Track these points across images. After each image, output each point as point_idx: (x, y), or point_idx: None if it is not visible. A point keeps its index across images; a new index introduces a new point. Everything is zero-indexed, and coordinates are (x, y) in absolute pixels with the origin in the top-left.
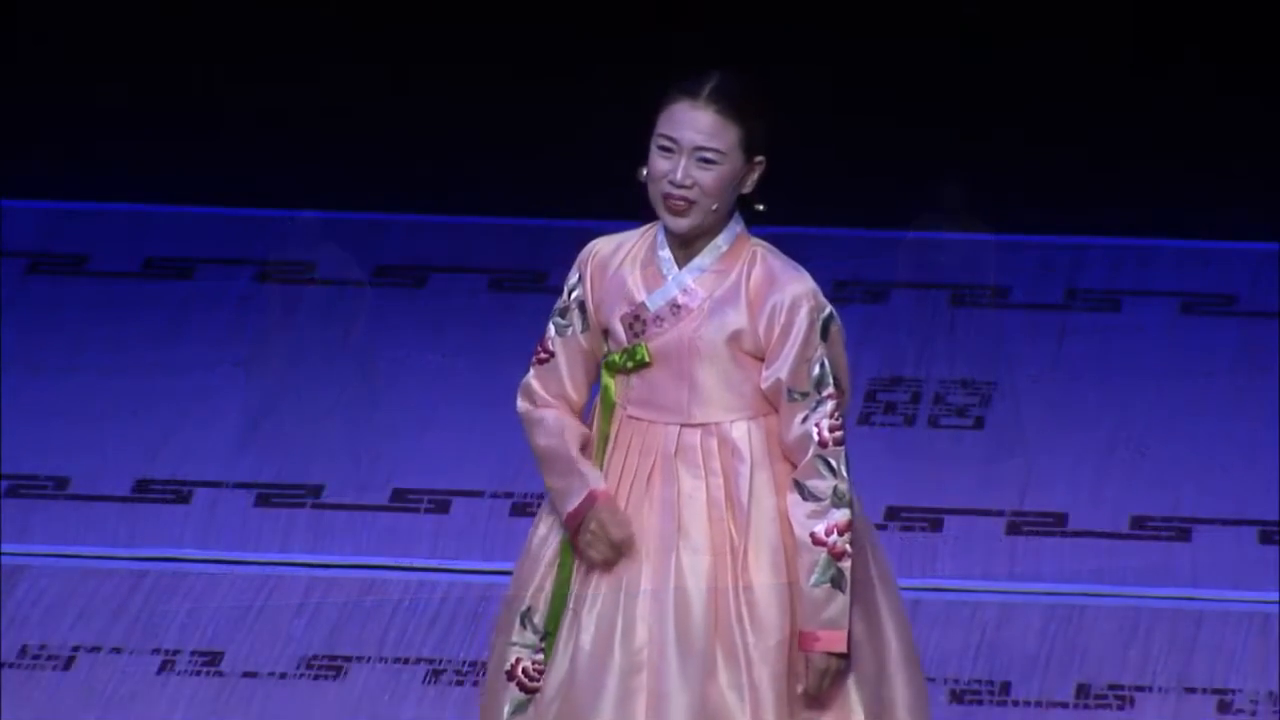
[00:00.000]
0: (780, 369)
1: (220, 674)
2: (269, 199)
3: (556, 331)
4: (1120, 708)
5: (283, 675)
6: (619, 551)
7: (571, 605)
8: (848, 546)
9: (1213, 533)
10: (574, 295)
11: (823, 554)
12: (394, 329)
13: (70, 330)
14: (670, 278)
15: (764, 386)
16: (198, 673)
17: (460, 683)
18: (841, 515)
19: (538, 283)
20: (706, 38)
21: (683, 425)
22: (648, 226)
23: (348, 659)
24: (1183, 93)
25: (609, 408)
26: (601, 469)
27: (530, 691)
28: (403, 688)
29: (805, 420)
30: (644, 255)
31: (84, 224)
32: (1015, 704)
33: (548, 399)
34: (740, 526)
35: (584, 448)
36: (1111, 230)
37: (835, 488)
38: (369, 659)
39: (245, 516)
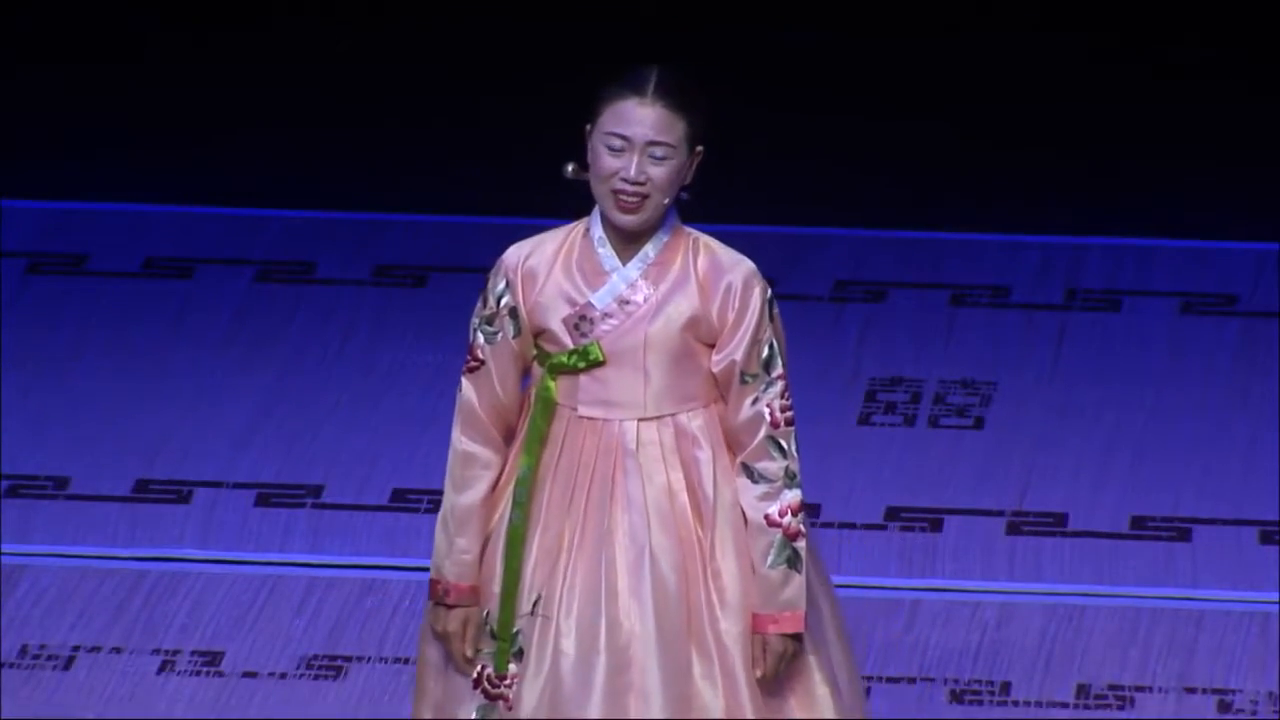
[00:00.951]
0: (734, 351)
1: (220, 674)
2: (269, 199)
3: (485, 340)
4: (1120, 708)
5: (283, 675)
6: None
7: (540, 611)
8: (802, 527)
9: (1213, 533)
10: (503, 303)
11: (778, 535)
12: (394, 329)
13: (70, 330)
14: (614, 274)
15: (716, 370)
16: (198, 673)
17: None
18: (794, 496)
19: None
20: (706, 38)
21: (640, 420)
22: (571, 226)
23: (348, 659)
24: (1183, 92)
25: (549, 409)
26: (537, 470)
27: (494, 699)
28: (403, 688)
29: (755, 402)
30: (578, 254)
31: (84, 224)
32: (1015, 704)
33: (481, 419)
34: (705, 515)
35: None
36: (1111, 230)
37: (786, 468)
38: (369, 659)
39: (245, 516)
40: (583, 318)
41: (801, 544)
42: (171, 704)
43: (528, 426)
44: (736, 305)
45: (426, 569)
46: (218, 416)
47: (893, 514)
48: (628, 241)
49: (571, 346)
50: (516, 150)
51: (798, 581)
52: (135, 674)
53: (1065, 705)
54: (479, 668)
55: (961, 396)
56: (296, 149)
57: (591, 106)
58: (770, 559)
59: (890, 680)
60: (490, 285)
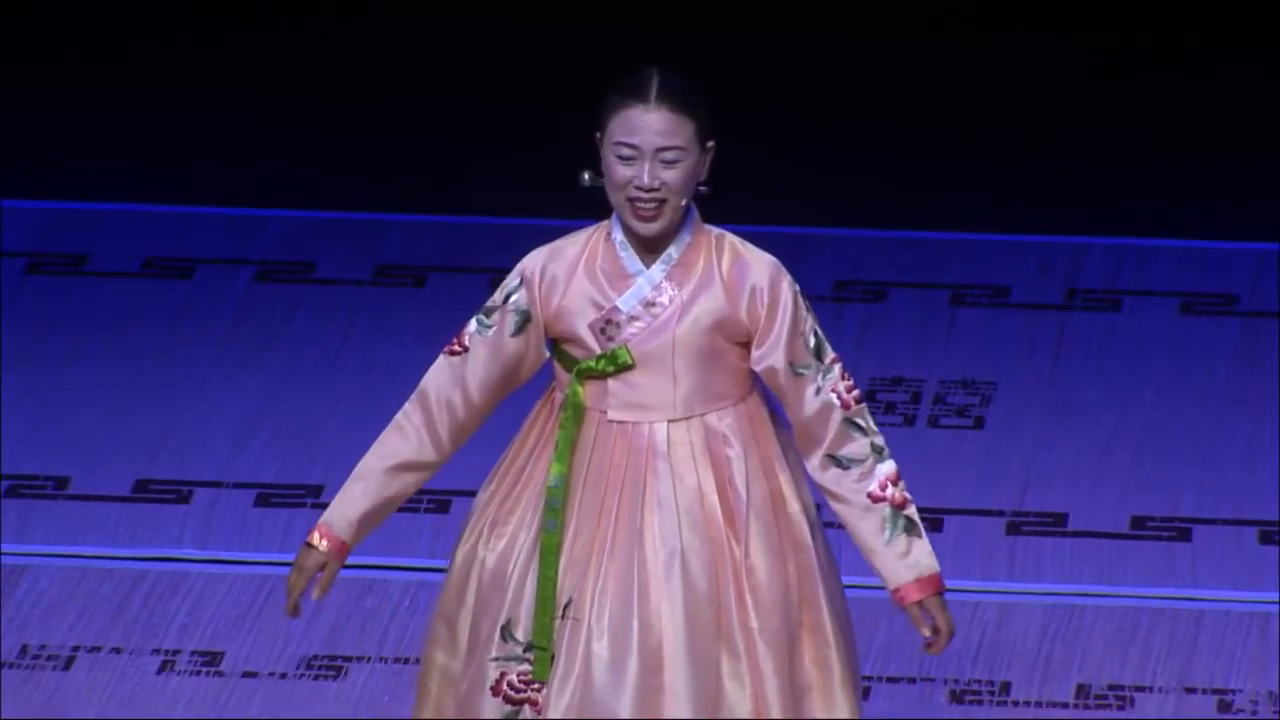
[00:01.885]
0: (775, 348)
1: (220, 674)
2: (269, 199)
3: (478, 329)
4: (1120, 708)
5: (283, 675)
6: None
7: (571, 614)
8: (906, 494)
9: (1213, 533)
10: (512, 300)
11: (886, 509)
12: (394, 329)
13: (70, 330)
14: (639, 277)
15: (760, 369)
16: (198, 673)
17: None
18: (888, 467)
19: None
20: (706, 39)
21: (669, 421)
22: (591, 229)
23: (348, 659)
24: (1183, 92)
25: (579, 414)
26: (568, 474)
27: (517, 704)
28: (403, 688)
29: (819, 391)
30: (601, 258)
31: (84, 224)
32: (1015, 704)
33: (432, 408)
34: (737, 514)
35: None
36: (1111, 230)
37: (872, 443)
38: (369, 659)
39: (245, 516)
40: (609, 322)
41: (912, 510)
42: (171, 704)
43: (559, 434)
44: (766, 303)
45: (427, 569)
46: (218, 416)
47: None
48: (650, 243)
49: (599, 351)
50: (517, 151)
51: (921, 544)
52: (135, 674)
53: (1065, 705)
54: (496, 674)
55: (961, 396)
56: (296, 149)
57: (598, 115)
58: (888, 534)
59: (890, 680)
60: (504, 282)
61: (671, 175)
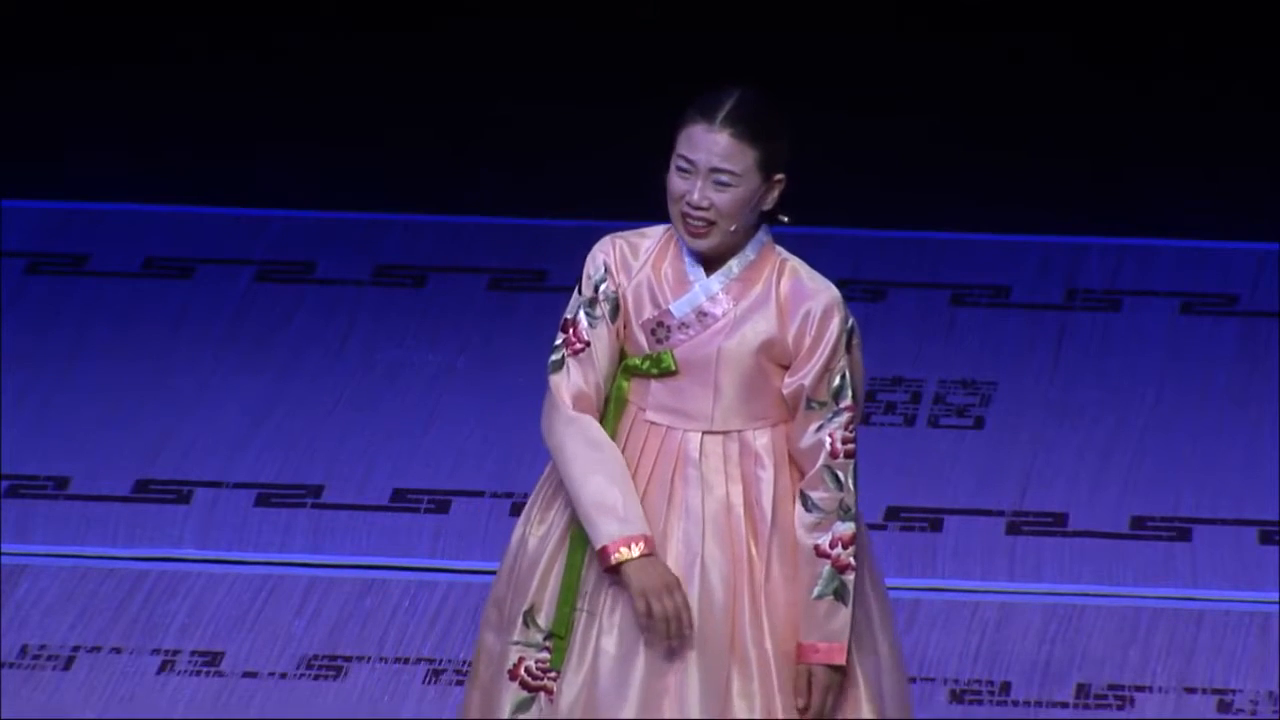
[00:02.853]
0: (805, 376)
1: (220, 674)
2: (269, 199)
3: (589, 323)
4: (1120, 708)
5: (283, 675)
6: (678, 616)
7: (585, 606)
8: (851, 560)
9: (1213, 533)
10: (603, 288)
11: (826, 566)
12: (394, 329)
13: (70, 330)
14: (697, 284)
15: (785, 391)
16: (198, 673)
17: (460, 683)
18: (846, 528)
19: (538, 282)
20: (707, 39)
21: (705, 432)
22: (667, 227)
23: (348, 659)
24: (1183, 93)
25: (620, 408)
26: None
27: (533, 690)
28: (403, 688)
29: (820, 429)
30: (668, 260)
31: (84, 224)
32: (1015, 704)
33: (589, 396)
34: (761, 533)
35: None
36: (1111, 230)
37: (841, 500)
38: (369, 659)
39: (245, 516)
40: (660, 324)
41: (850, 577)
42: (171, 704)
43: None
44: (814, 332)
45: (427, 569)
46: (218, 416)
47: (893, 514)
48: (712, 255)
49: (647, 351)
50: (517, 151)
51: (844, 614)
52: (135, 674)
53: (1065, 705)
54: (515, 659)
55: (961, 396)
56: (297, 149)
57: (673, 130)
58: (818, 589)
59: None
60: (587, 273)
61: (722, 198)
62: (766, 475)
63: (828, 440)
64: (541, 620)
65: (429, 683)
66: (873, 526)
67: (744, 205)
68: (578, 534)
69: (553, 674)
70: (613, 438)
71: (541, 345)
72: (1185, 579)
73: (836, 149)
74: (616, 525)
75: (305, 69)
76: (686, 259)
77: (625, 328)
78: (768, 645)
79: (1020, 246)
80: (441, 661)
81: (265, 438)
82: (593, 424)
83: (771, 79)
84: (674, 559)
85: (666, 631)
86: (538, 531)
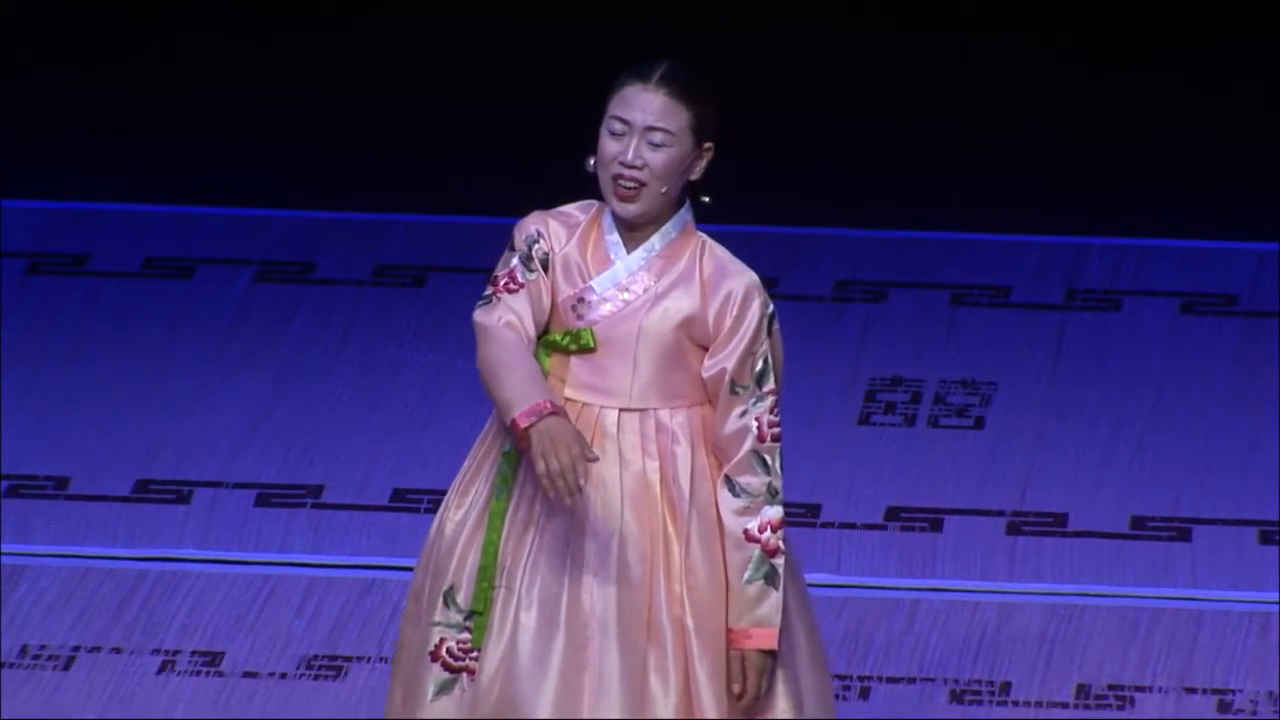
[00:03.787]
0: (727, 359)
1: (220, 674)
2: (269, 199)
3: (524, 272)
4: (1120, 708)
5: (283, 675)
6: (572, 468)
7: (503, 583)
8: (781, 543)
9: (1213, 533)
10: (535, 247)
11: (756, 550)
12: (394, 329)
13: (70, 330)
14: (618, 261)
15: (706, 375)
16: (198, 673)
17: None
18: (774, 512)
19: None
20: (706, 38)
21: (622, 409)
22: (593, 205)
23: (348, 659)
24: (1183, 93)
25: None
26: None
27: (455, 671)
28: None
29: (744, 414)
30: (591, 238)
31: (84, 224)
32: (1015, 704)
33: (510, 327)
34: (678, 510)
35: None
36: (1111, 230)
37: (769, 484)
38: (369, 659)
39: (245, 516)
40: (581, 300)
41: (780, 561)
42: (171, 704)
43: None
44: (734, 313)
45: None
46: (218, 416)
47: (893, 514)
48: (635, 232)
49: (568, 327)
50: (517, 150)
51: (774, 598)
52: (135, 674)
53: (1065, 705)
54: (437, 639)
55: (961, 396)
56: (297, 149)
57: (603, 97)
58: (748, 574)
59: (890, 680)
60: (517, 239)
61: (655, 158)
62: (683, 451)
63: (754, 424)
64: (461, 599)
65: None
66: (873, 526)
67: (676, 167)
68: (495, 512)
69: (474, 654)
70: None
71: None
72: (1185, 579)
73: (836, 149)
74: (523, 402)
75: (305, 69)
76: (608, 237)
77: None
78: (688, 622)
79: (1020, 246)
80: None
81: (265, 438)
82: (520, 340)
83: (772, 78)
84: (591, 532)
85: (558, 487)
86: (455, 516)
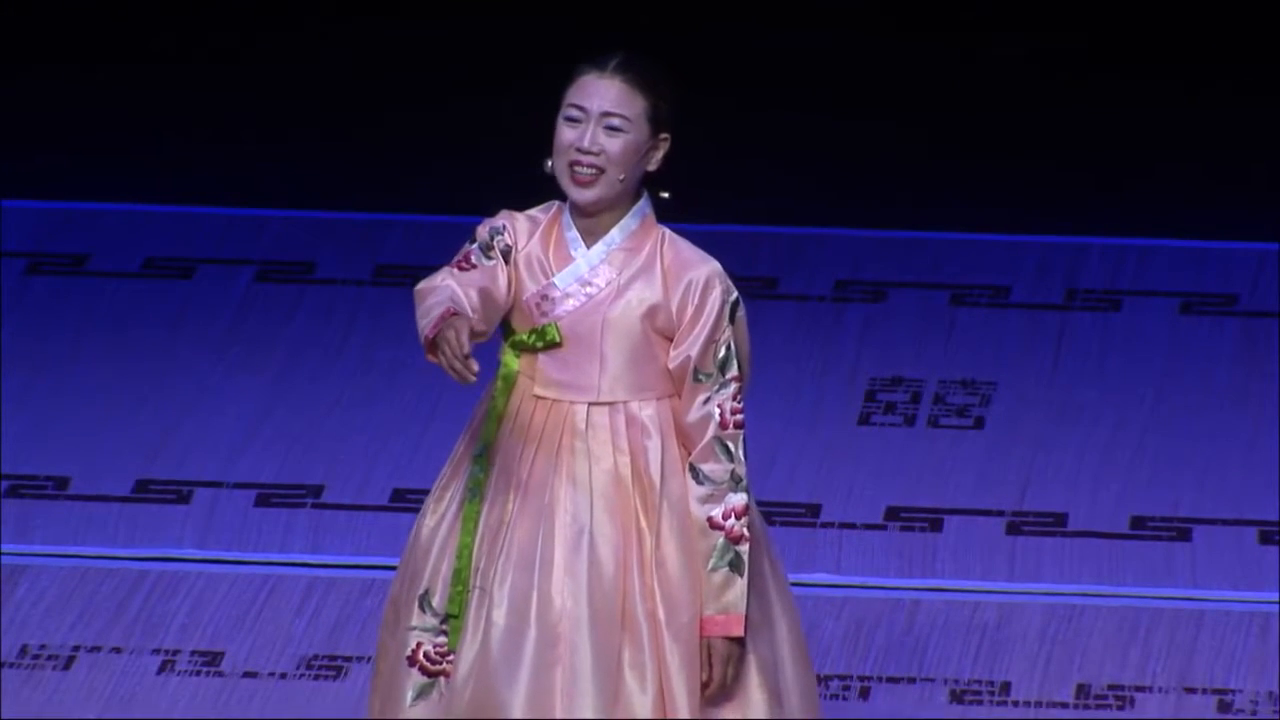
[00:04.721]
0: (690, 348)
1: (220, 674)
2: (269, 199)
3: (482, 256)
4: (1120, 708)
5: (283, 675)
6: (453, 360)
7: (478, 584)
8: (745, 530)
9: (1213, 533)
10: (498, 238)
11: (720, 538)
12: (394, 329)
13: (70, 330)
14: (579, 256)
15: (671, 365)
16: (198, 673)
17: None
18: (738, 499)
19: None
20: (705, 38)
21: (591, 404)
22: (552, 204)
23: (348, 659)
24: (1183, 93)
25: (509, 385)
26: (496, 446)
27: (433, 675)
28: None
29: (707, 401)
30: (553, 236)
31: (84, 224)
32: (1015, 704)
33: (448, 281)
34: (649, 503)
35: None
36: (1111, 230)
37: (732, 471)
38: (369, 659)
39: (245, 516)
40: (544, 297)
41: (744, 548)
42: (171, 704)
43: (488, 405)
44: (696, 301)
45: None
46: (218, 416)
47: (893, 514)
48: (594, 225)
49: (534, 324)
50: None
51: (739, 585)
52: (135, 674)
53: (1065, 705)
54: (414, 644)
55: (961, 396)
56: (297, 149)
57: (560, 90)
58: (713, 561)
59: (890, 680)
60: (480, 231)
61: (613, 144)
62: (654, 445)
63: (717, 411)
64: (436, 603)
65: None
66: (873, 526)
67: (633, 154)
68: (469, 515)
69: (451, 657)
70: (503, 415)
71: None
72: (1185, 579)
73: (837, 149)
74: (426, 320)
75: (306, 68)
76: (567, 234)
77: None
78: (660, 615)
79: (1020, 246)
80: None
81: (265, 438)
82: (450, 286)
83: (772, 79)
84: (562, 529)
85: (444, 354)
86: (429, 522)
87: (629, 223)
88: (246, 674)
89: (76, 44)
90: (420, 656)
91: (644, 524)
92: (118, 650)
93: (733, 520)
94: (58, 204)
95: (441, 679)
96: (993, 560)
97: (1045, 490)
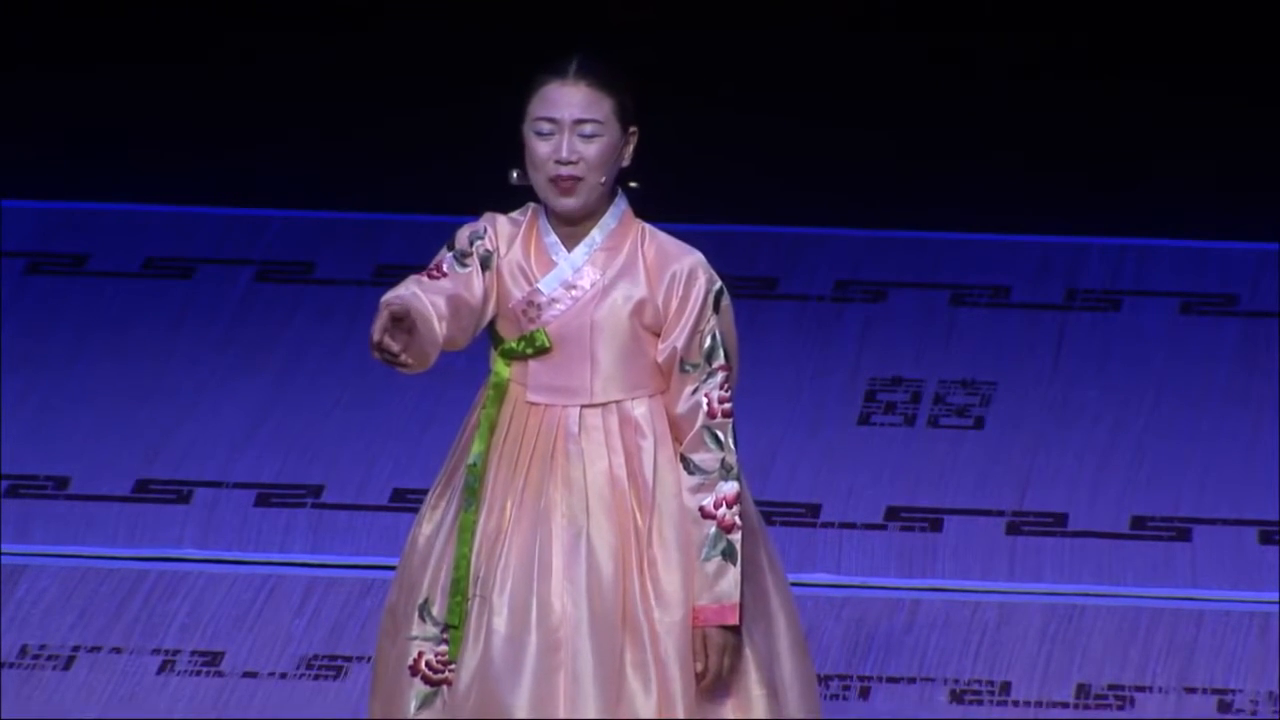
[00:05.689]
0: (676, 339)
1: (220, 674)
2: (269, 199)
3: (457, 264)
4: (1120, 708)
5: (283, 675)
6: (377, 345)
7: (478, 592)
8: (737, 519)
9: (1213, 533)
10: (478, 244)
11: (712, 527)
12: None
13: (70, 330)
14: (561, 260)
15: (660, 359)
16: (198, 673)
17: None
18: (729, 488)
19: None
20: (704, 38)
21: (584, 406)
22: (531, 208)
23: (348, 659)
24: (1183, 93)
25: (500, 394)
26: (490, 455)
27: (435, 684)
28: None
29: (695, 391)
30: (533, 241)
31: (84, 224)
32: (1015, 704)
33: (413, 290)
34: (644, 503)
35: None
36: (1111, 230)
37: (723, 460)
38: (369, 659)
39: (245, 516)
40: (530, 303)
41: (736, 537)
42: (171, 704)
43: (481, 414)
44: (681, 293)
45: None
46: (218, 416)
47: (893, 514)
48: (574, 228)
49: (521, 333)
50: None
51: (732, 574)
52: (135, 674)
53: (1065, 705)
54: (415, 654)
55: (961, 396)
56: (297, 149)
57: (521, 102)
58: (705, 551)
59: (890, 680)
60: (459, 236)
61: (590, 149)
62: (648, 444)
63: (704, 401)
64: (435, 612)
65: None
66: (873, 526)
67: (610, 156)
68: (465, 525)
69: (453, 666)
70: (496, 424)
71: None
72: (1185, 579)
73: (836, 149)
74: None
75: (305, 68)
76: (546, 239)
77: (498, 303)
78: (656, 616)
79: (1020, 246)
80: None
81: (265, 438)
82: (411, 291)
83: (772, 80)
84: (559, 533)
85: (388, 362)
86: (425, 530)
87: (608, 222)
88: (246, 674)
89: (77, 44)
90: (422, 666)
91: (640, 523)
92: (118, 650)
93: (724, 509)
94: (58, 204)
95: (444, 688)
96: (993, 560)
97: (1045, 490)
